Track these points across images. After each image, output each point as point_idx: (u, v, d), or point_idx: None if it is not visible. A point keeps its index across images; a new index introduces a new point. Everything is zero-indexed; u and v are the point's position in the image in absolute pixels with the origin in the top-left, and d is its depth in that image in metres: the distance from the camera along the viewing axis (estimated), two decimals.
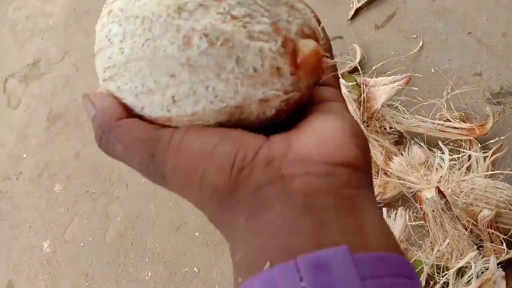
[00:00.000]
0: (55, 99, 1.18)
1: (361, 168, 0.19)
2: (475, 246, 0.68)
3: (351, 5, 0.97)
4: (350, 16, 0.96)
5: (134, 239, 0.94)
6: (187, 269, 0.87)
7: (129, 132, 0.21)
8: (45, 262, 0.99)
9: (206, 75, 0.20)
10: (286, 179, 0.18)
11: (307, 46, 0.21)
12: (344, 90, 0.80)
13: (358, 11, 0.97)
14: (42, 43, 1.27)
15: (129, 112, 0.22)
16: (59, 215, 1.03)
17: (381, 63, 0.87)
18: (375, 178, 0.78)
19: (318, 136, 0.19)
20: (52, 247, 1.00)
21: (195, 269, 0.87)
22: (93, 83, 1.13)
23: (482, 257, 0.67)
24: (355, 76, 0.84)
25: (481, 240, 0.69)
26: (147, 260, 0.91)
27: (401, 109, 0.82)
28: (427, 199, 0.65)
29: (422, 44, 0.89)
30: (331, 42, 0.25)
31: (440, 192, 0.65)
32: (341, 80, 0.82)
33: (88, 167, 1.05)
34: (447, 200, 0.66)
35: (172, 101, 0.21)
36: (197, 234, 0.90)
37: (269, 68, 0.20)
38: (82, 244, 0.98)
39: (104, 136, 0.22)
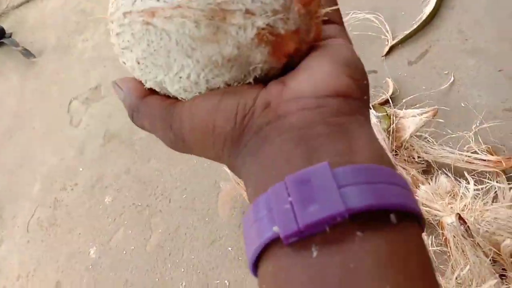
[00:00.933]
0: (112, 120, 1.31)
1: (352, 95, 0.20)
2: (497, 275, 0.68)
3: (386, 43, 1.03)
4: (384, 53, 1.02)
5: (172, 250, 1.01)
6: (218, 281, 0.92)
7: (152, 110, 0.24)
8: (90, 266, 1.08)
9: None
10: (283, 117, 0.20)
11: None
12: (374, 120, 0.85)
13: (392, 48, 1.02)
14: (105, 70, 1.42)
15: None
16: (106, 224, 1.12)
17: (411, 96, 0.91)
18: None
19: (312, 73, 0.21)
20: (98, 253, 1.09)
21: (226, 282, 0.91)
22: None
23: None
24: (386, 108, 0.89)
25: (504, 269, 0.70)
26: (183, 270, 0.97)
27: (430, 140, 0.86)
28: (447, 224, 0.68)
29: (453, 80, 0.92)
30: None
31: (460, 218, 0.68)
32: (372, 111, 0.87)
33: (136, 182, 1.15)
34: (468, 227, 0.68)
35: None
36: (229, 249, 0.95)
37: None
38: (124, 252, 1.06)
39: (135, 114, 0.25)
